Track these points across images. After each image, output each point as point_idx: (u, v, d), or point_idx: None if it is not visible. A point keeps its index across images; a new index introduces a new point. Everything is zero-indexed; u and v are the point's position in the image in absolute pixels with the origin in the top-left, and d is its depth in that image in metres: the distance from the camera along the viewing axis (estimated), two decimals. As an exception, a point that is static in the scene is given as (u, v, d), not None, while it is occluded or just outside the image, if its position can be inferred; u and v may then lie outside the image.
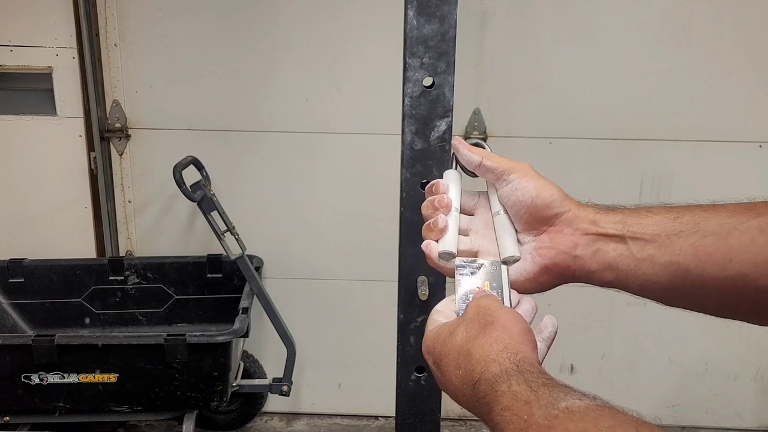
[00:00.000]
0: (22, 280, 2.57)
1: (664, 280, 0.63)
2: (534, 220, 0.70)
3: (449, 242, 0.72)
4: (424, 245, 0.73)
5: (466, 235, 0.75)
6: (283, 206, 2.66)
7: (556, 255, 0.68)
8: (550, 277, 0.70)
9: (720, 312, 0.64)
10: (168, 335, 2.16)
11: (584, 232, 0.67)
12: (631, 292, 0.66)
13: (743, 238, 0.59)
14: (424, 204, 0.74)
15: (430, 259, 0.73)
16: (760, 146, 2.51)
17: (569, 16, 2.45)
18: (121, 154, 2.63)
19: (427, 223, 0.73)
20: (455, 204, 0.74)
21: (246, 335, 2.27)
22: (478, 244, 0.74)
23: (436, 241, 0.72)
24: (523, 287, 0.71)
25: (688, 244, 0.61)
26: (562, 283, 0.70)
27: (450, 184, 0.75)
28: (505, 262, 0.71)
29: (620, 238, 0.65)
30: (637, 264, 0.64)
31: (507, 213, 0.73)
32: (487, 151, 0.75)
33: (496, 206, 0.73)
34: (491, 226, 0.74)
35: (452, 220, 0.73)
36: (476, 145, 0.77)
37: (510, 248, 0.71)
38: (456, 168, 0.77)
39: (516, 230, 0.72)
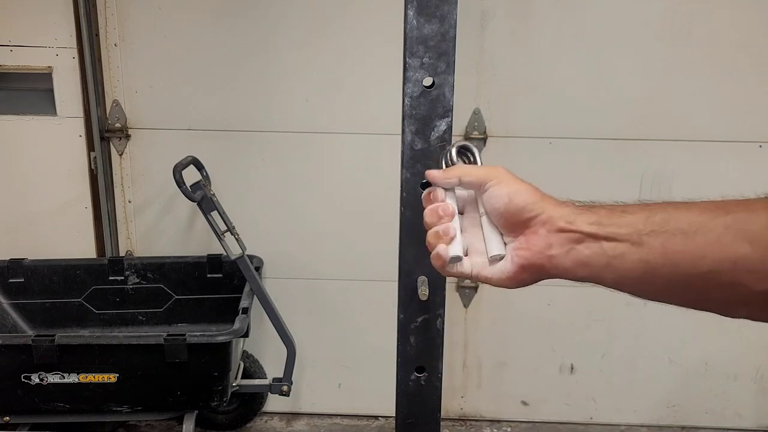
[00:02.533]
0: (22, 280, 2.57)
1: (636, 276, 0.67)
2: (510, 225, 0.74)
3: (457, 247, 0.76)
4: (438, 251, 0.76)
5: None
6: (283, 206, 2.66)
7: (532, 255, 0.72)
8: (528, 275, 0.73)
9: (688, 305, 0.68)
10: (168, 335, 2.16)
11: (559, 230, 0.70)
12: (604, 286, 0.70)
13: (709, 236, 0.62)
14: (428, 212, 0.77)
15: (440, 262, 0.76)
16: (760, 146, 2.51)
17: (569, 16, 2.45)
18: (121, 154, 2.63)
19: (435, 230, 0.76)
20: (455, 208, 0.78)
21: (246, 335, 2.27)
22: (467, 242, 0.78)
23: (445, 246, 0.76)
24: (505, 284, 0.75)
25: (658, 242, 0.64)
26: (542, 280, 0.74)
27: (446, 189, 0.79)
28: (492, 259, 0.76)
29: (594, 237, 0.68)
30: (609, 261, 0.67)
31: None
32: (462, 166, 0.80)
33: (481, 208, 0.77)
34: (479, 225, 0.78)
35: (456, 225, 0.77)
36: (463, 148, 0.82)
37: (495, 248, 0.75)
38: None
39: (500, 230, 0.76)
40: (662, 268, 0.65)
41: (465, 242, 0.78)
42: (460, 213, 0.80)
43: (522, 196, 0.73)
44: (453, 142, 0.84)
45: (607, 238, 0.67)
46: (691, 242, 0.63)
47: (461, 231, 0.78)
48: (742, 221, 0.61)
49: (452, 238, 0.75)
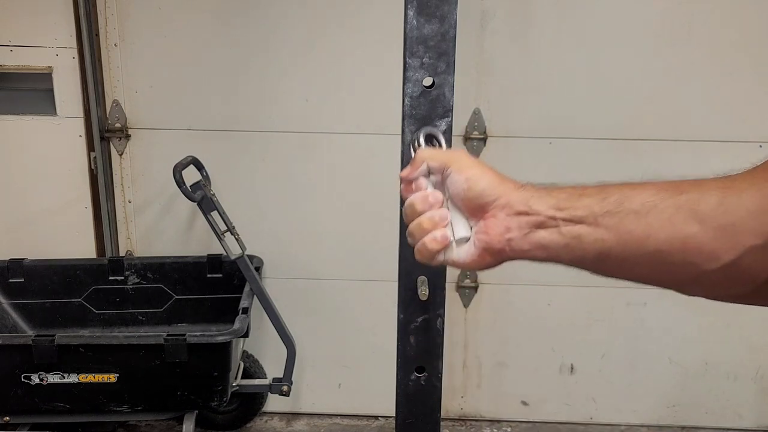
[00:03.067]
0: (22, 280, 2.57)
1: (592, 256, 0.68)
2: (470, 210, 0.75)
3: (463, 228, 0.76)
4: (435, 236, 0.75)
5: None
6: (283, 206, 2.66)
7: (491, 239, 0.73)
8: (491, 258, 0.75)
9: (644, 282, 0.69)
10: (168, 335, 2.16)
11: (517, 213, 0.71)
12: (562, 264, 0.72)
13: (661, 216, 0.64)
14: (417, 200, 0.77)
15: (438, 246, 0.75)
16: (761, 146, 2.51)
17: (569, 16, 2.45)
18: (121, 154, 2.63)
19: (428, 216, 0.76)
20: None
21: (246, 335, 2.27)
22: None
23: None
24: (471, 267, 0.77)
25: (612, 223, 0.66)
26: (504, 262, 0.75)
27: (425, 179, 0.79)
28: (459, 242, 0.77)
29: (552, 219, 0.69)
30: (566, 243, 0.69)
31: None
32: (426, 149, 0.82)
33: (447, 192, 0.78)
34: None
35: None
36: (429, 135, 0.86)
37: (460, 231, 0.76)
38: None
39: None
40: (616, 248, 0.66)
41: None
42: None
43: (481, 181, 0.74)
44: (420, 129, 0.87)
45: (564, 220, 0.69)
46: (642, 222, 0.64)
47: None
48: (694, 201, 0.63)
49: (449, 223, 0.76)
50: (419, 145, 0.84)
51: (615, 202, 0.67)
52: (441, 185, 0.78)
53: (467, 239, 0.76)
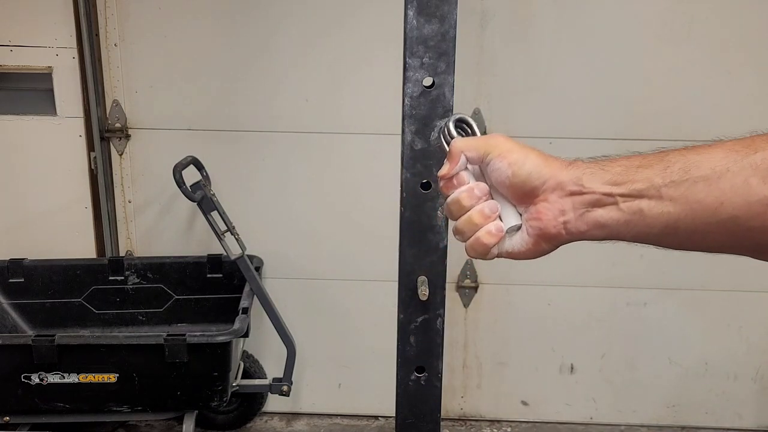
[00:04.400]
0: (22, 280, 2.57)
1: (657, 230, 0.64)
2: (517, 197, 0.71)
3: (513, 216, 0.72)
4: (490, 229, 0.71)
5: None
6: (283, 206, 2.66)
7: (546, 225, 0.69)
8: (547, 245, 0.71)
9: (717, 251, 0.64)
10: (168, 335, 2.16)
11: (570, 193, 0.67)
12: (624, 241, 0.67)
13: (735, 180, 0.59)
14: (463, 195, 0.72)
15: (494, 239, 0.71)
16: (760, 146, 2.50)
17: (569, 16, 2.45)
18: (121, 154, 2.63)
19: (478, 210, 0.72)
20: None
21: (246, 335, 2.27)
22: None
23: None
24: (527, 256, 0.72)
25: (678, 193, 0.61)
26: (562, 245, 0.71)
27: (465, 170, 0.75)
28: (509, 231, 0.73)
29: (609, 196, 0.65)
30: (627, 219, 0.65)
31: None
32: (460, 139, 0.75)
33: (489, 180, 0.74)
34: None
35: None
36: (460, 121, 0.78)
37: (511, 219, 0.72)
38: (440, 141, 0.79)
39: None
40: (684, 219, 0.62)
41: None
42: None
43: (525, 165, 0.69)
44: (449, 116, 0.81)
45: (623, 196, 0.64)
46: (714, 189, 0.59)
47: None
48: None
49: (499, 215, 0.72)
50: (450, 134, 0.78)
51: (680, 171, 0.62)
52: (481, 174, 0.74)
53: (518, 227, 0.72)
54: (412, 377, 1.20)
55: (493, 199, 0.73)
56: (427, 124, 1.09)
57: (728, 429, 2.84)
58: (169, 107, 2.59)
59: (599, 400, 2.84)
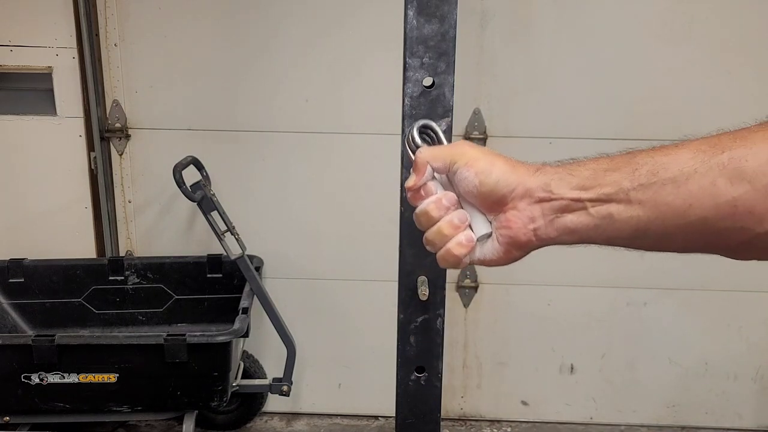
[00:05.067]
0: (22, 280, 2.56)
1: (627, 234, 0.63)
2: (486, 205, 0.70)
3: (483, 224, 0.71)
4: (461, 240, 0.71)
5: None
6: (283, 206, 2.66)
7: (516, 233, 0.68)
8: (518, 252, 0.70)
9: (689, 251, 0.64)
10: (168, 335, 2.16)
11: (539, 200, 0.66)
12: (596, 244, 0.67)
13: (703, 181, 0.58)
14: (431, 206, 0.72)
15: (464, 250, 0.71)
16: (760, 146, 2.50)
17: (569, 16, 2.45)
18: (121, 154, 2.63)
19: (447, 221, 0.71)
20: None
21: (246, 335, 2.27)
22: None
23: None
24: (499, 264, 0.72)
25: (646, 196, 0.61)
26: (534, 250, 0.70)
27: (432, 180, 0.74)
28: (480, 240, 0.72)
29: (577, 201, 0.65)
30: (597, 224, 0.64)
31: None
32: (426, 149, 0.74)
33: (457, 188, 0.73)
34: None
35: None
36: (423, 127, 0.77)
37: (481, 227, 0.71)
38: (408, 150, 0.78)
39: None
40: (654, 222, 0.61)
41: None
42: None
43: (492, 173, 0.68)
44: (415, 122, 0.79)
45: (592, 201, 0.64)
46: (682, 191, 0.59)
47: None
48: (739, 158, 0.57)
49: (465, 224, 0.71)
50: (414, 142, 0.76)
51: (648, 173, 0.61)
52: (449, 183, 0.73)
53: (489, 235, 0.71)
54: (412, 377, 1.20)
55: (462, 208, 0.72)
56: (427, 123, 1.09)
57: (728, 429, 2.84)
58: (169, 107, 2.59)
59: (599, 400, 2.84)
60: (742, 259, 0.63)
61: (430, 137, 0.78)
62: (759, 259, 0.62)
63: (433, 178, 0.73)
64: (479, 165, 0.69)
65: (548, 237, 0.67)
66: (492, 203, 0.69)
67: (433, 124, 0.78)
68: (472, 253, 0.72)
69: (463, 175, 0.70)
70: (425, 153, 0.73)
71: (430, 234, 0.72)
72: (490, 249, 0.71)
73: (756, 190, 0.56)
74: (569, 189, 0.65)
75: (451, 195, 0.72)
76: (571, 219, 0.65)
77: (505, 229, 0.69)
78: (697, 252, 0.63)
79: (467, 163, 0.69)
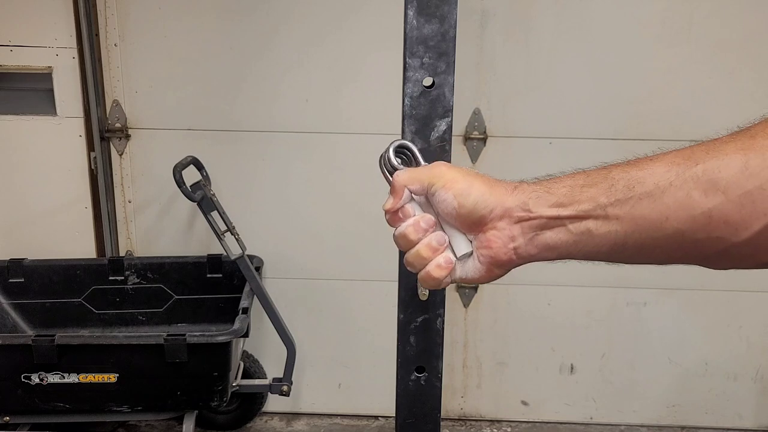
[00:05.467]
0: (22, 280, 2.57)
1: (606, 249, 0.64)
2: (466, 226, 0.71)
3: (463, 244, 0.72)
4: (440, 262, 0.72)
5: None
6: (283, 206, 2.66)
7: (496, 253, 0.69)
8: (499, 270, 0.71)
9: (666, 263, 0.65)
10: (168, 335, 2.16)
11: (518, 220, 0.67)
12: (575, 259, 0.68)
13: (678, 194, 0.59)
14: (409, 229, 0.72)
15: (443, 272, 0.72)
16: (760, 146, 2.50)
17: (569, 16, 2.45)
18: (121, 154, 2.63)
19: (425, 243, 0.72)
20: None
21: (246, 335, 2.27)
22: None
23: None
24: (480, 281, 0.73)
25: (623, 211, 0.62)
26: (514, 268, 0.71)
27: (410, 201, 0.74)
28: (461, 259, 0.72)
29: (555, 220, 0.65)
30: (576, 240, 0.65)
31: None
32: (403, 172, 0.74)
33: (436, 209, 0.73)
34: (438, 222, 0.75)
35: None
36: (401, 147, 0.77)
37: (460, 247, 0.72)
38: (384, 172, 0.78)
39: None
40: (631, 236, 0.62)
41: None
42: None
43: (471, 195, 0.69)
44: (390, 143, 0.78)
45: (570, 218, 0.65)
46: (658, 204, 0.60)
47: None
48: (712, 170, 0.58)
49: (443, 247, 0.72)
50: (390, 164, 0.76)
51: (624, 188, 0.62)
52: (427, 204, 0.73)
53: (470, 254, 0.72)
54: (412, 377, 1.20)
55: (441, 229, 0.73)
56: (427, 124, 1.09)
57: (728, 429, 2.84)
58: (169, 107, 2.59)
59: (599, 400, 2.84)
60: (719, 268, 0.64)
61: (407, 156, 0.78)
62: (735, 267, 0.63)
63: (412, 199, 0.73)
64: (457, 187, 0.69)
65: (528, 255, 0.68)
66: (471, 224, 0.70)
67: (410, 144, 0.78)
68: (453, 272, 0.72)
69: (441, 197, 0.70)
70: (402, 176, 0.73)
71: (409, 256, 0.73)
72: (472, 268, 0.72)
73: (730, 200, 0.57)
74: (547, 207, 0.66)
75: (429, 217, 0.72)
76: (551, 236, 0.66)
77: (485, 249, 0.70)
78: (675, 263, 0.65)
79: (445, 186, 0.70)
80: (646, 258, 0.65)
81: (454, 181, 0.70)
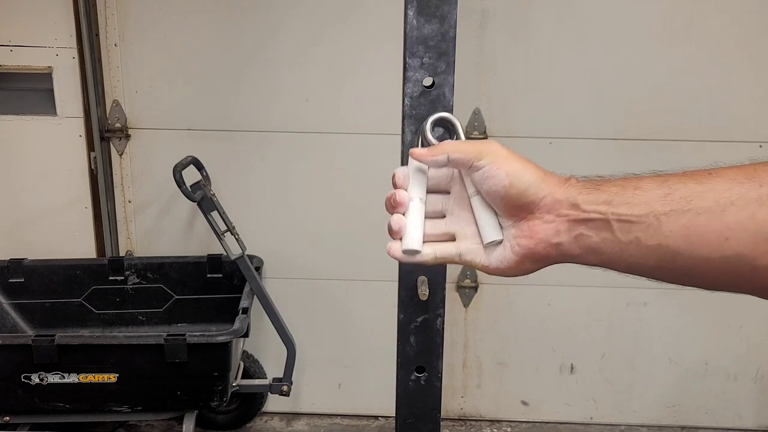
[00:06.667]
0: (22, 280, 2.57)
1: (652, 263, 0.60)
2: (510, 209, 0.66)
3: (411, 240, 0.69)
4: (389, 246, 0.70)
5: (443, 216, 0.72)
6: (283, 206, 2.66)
7: (536, 244, 0.64)
8: (532, 264, 0.67)
9: (714, 288, 0.60)
10: (168, 335, 2.16)
11: (566, 218, 0.63)
12: (616, 271, 0.64)
13: (741, 214, 0.55)
14: (385, 200, 0.71)
15: (395, 255, 0.71)
16: (761, 146, 2.51)
17: (569, 16, 2.45)
18: (121, 154, 2.63)
19: (388, 222, 0.70)
20: (417, 194, 0.71)
21: (246, 335, 2.27)
22: (454, 227, 0.71)
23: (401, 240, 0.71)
24: (505, 273, 0.68)
25: (678, 224, 0.57)
26: (546, 266, 0.67)
27: (412, 172, 0.71)
28: (487, 247, 0.68)
29: (604, 221, 0.61)
30: (622, 248, 0.60)
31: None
32: (451, 142, 0.71)
33: (471, 187, 0.69)
34: (467, 206, 0.70)
35: (415, 213, 0.70)
36: (441, 120, 0.74)
37: (491, 233, 0.67)
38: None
39: (495, 211, 0.68)
40: (684, 253, 0.57)
41: (450, 226, 0.71)
42: (446, 191, 0.72)
43: (523, 178, 0.64)
44: (428, 116, 0.75)
45: (620, 221, 0.60)
46: (718, 222, 0.55)
47: (446, 213, 0.71)
48: None
49: (398, 232, 0.69)
50: (425, 138, 0.72)
51: (681, 200, 0.57)
52: (461, 180, 0.70)
53: (499, 242, 0.67)
54: (412, 377, 1.20)
55: (470, 210, 0.69)
56: (427, 124, 1.09)
57: (728, 429, 2.84)
58: (169, 107, 2.59)
59: (599, 400, 2.84)
60: None
61: (447, 130, 0.74)
62: None
63: (426, 176, 0.70)
64: (511, 166, 0.65)
65: (570, 254, 0.64)
66: (517, 207, 0.65)
67: (452, 117, 0.73)
68: (474, 256, 0.69)
69: (491, 173, 0.65)
70: (449, 144, 0.70)
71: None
72: (500, 257, 0.67)
73: None
74: (596, 205, 0.61)
75: (396, 195, 0.70)
76: (596, 240, 0.62)
77: (526, 238, 0.65)
78: (725, 290, 0.59)
79: (497, 161, 0.65)
80: (694, 280, 0.59)
81: (508, 159, 0.65)
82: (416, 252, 0.69)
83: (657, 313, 2.71)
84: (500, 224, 0.67)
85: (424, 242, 0.70)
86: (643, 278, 0.63)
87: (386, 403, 2.70)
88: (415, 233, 0.69)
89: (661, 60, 2.46)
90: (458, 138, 0.74)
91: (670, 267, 0.59)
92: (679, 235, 0.57)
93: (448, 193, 0.72)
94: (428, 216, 0.72)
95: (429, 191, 0.72)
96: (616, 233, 0.60)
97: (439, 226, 0.72)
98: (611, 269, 0.64)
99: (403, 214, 0.71)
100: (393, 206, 0.70)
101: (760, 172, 0.56)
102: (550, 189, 0.64)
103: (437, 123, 0.74)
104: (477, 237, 0.69)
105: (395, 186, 0.71)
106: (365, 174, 2.61)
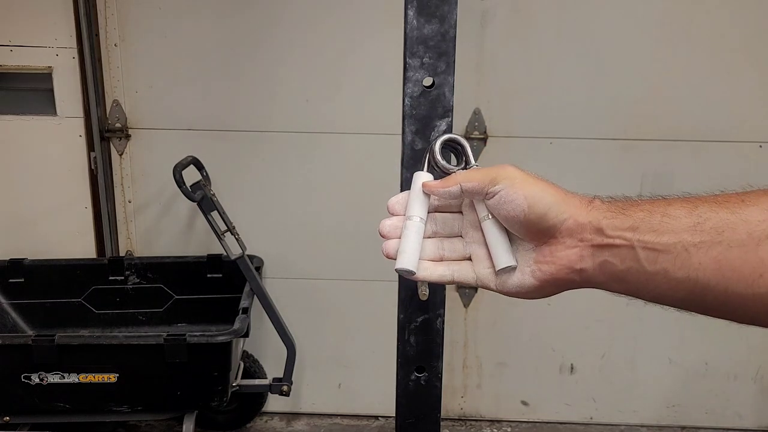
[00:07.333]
0: (22, 280, 2.56)
1: (681, 295, 0.56)
2: (530, 234, 0.63)
3: (406, 260, 0.66)
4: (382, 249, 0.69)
5: (461, 236, 0.70)
6: (283, 206, 2.66)
7: (558, 270, 0.62)
8: (553, 289, 0.64)
9: (748, 323, 0.56)
10: (168, 335, 2.16)
11: (589, 242, 0.59)
12: (643, 300, 0.61)
13: None
14: (379, 228, 0.70)
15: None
16: (760, 146, 2.51)
17: (569, 16, 2.45)
18: (121, 154, 2.63)
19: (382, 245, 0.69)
20: (418, 213, 0.68)
21: (246, 335, 2.27)
22: (470, 248, 0.68)
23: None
24: (524, 297, 0.66)
25: (709, 257, 0.53)
26: (568, 290, 0.65)
27: (414, 190, 0.69)
28: (499, 273, 0.66)
29: (629, 248, 0.57)
30: (648, 278, 0.57)
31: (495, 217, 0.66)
32: (462, 172, 0.68)
33: (483, 210, 0.66)
34: (480, 228, 0.68)
35: (413, 232, 0.67)
36: (451, 142, 0.70)
37: (504, 258, 0.65)
38: (427, 170, 0.71)
39: (508, 234, 0.66)
40: (715, 288, 0.53)
41: (466, 249, 0.69)
42: (459, 212, 0.70)
43: (543, 201, 0.61)
44: (437, 137, 0.72)
45: (646, 248, 0.56)
46: (753, 256, 0.51)
47: (464, 233, 0.69)
48: None
49: (388, 257, 0.67)
50: (434, 160, 0.69)
51: (712, 230, 0.53)
52: (468, 203, 0.68)
53: (513, 268, 0.65)
54: (412, 377, 1.20)
55: (481, 235, 0.67)
56: (427, 124, 1.09)
57: (728, 429, 2.84)
58: (169, 107, 2.59)
59: (599, 400, 2.84)
60: None
61: (455, 152, 0.71)
62: None
63: (426, 209, 0.68)
64: (530, 188, 0.62)
65: (594, 280, 0.61)
66: (537, 232, 0.62)
67: (460, 139, 0.70)
68: (487, 280, 0.67)
69: (508, 197, 0.62)
70: (460, 174, 0.67)
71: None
72: (518, 282, 0.65)
73: None
74: (622, 231, 0.58)
75: (392, 224, 0.69)
76: (621, 268, 0.58)
77: (547, 264, 0.62)
78: (764, 326, 0.56)
79: (514, 185, 0.62)
80: (729, 315, 0.56)
81: (525, 182, 0.62)
82: (410, 272, 0.66)
83: (657, 313, 2.70)
84: (512, 249, 0.65)
85: (441, 260, 0.69)
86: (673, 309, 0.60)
87: (386, 403, 2.70)
88: (410, 253, 0.66)
89: (661, 60, 2.46)
90: (467, 159, 0.71)
91: (701, 301, 0.56)
92: (709, 269, 0.54)
93: (460, 213, 0.70)
94: (446, 236, 0.70)
95: (441, 211, 0.70)
96: (642, 262, 0.57)
97: (457, 248, 0.69)
98: (638, 298, 0.61)
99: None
100: (384, 235, 0.68)
101: None
102: (572, 211, 0.61)
103: (445, 145, 0.71)
104: (489, 259, 0.67)
105: (392, 212, 0.70)
106: (365, 174, 2.61)
